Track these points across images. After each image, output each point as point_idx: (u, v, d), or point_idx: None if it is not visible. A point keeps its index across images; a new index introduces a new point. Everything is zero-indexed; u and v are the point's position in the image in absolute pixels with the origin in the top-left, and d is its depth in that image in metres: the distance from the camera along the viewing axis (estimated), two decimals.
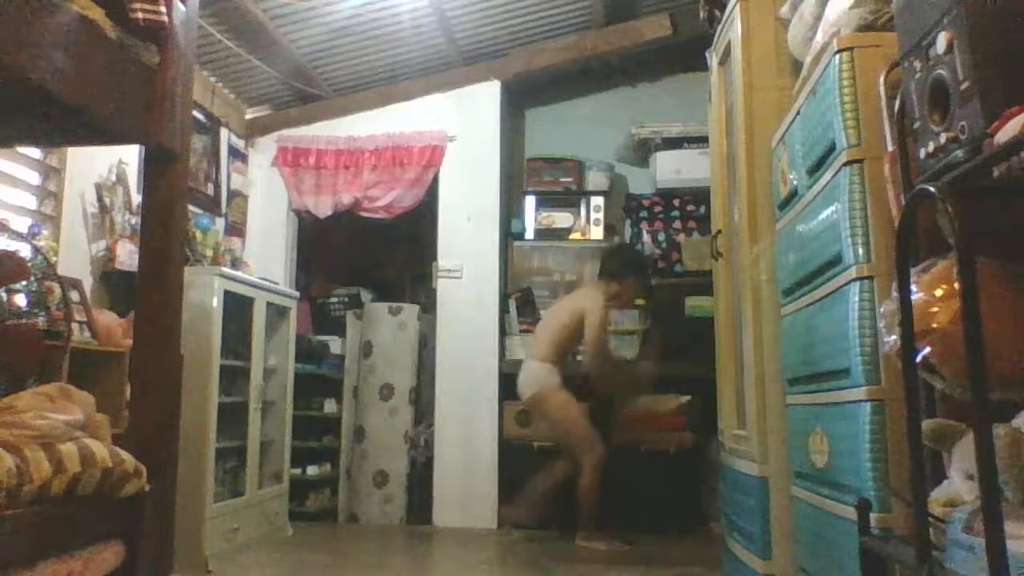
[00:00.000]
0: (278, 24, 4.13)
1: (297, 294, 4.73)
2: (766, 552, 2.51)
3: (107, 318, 3.21)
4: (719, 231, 3.18)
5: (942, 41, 1.34)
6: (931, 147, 1.41)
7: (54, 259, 3.03)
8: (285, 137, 5.04)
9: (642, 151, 5.12)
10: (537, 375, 4.10)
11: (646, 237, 4.89)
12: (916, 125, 1.50)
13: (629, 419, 4.42)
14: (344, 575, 3.50)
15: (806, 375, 2.23)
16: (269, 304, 4.20)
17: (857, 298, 1.86)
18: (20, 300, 2.53)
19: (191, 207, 4.08)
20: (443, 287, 4.83)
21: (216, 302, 3.62)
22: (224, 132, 4.73)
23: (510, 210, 5.13)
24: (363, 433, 4.82)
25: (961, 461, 1.43)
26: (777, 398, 2.51)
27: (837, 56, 1.96)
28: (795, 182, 2.32)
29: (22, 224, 3.10)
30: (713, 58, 3.28)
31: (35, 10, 1.44)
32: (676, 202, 4.93)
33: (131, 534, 1.73)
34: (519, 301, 4.86)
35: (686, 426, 4.36)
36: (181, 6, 1.94)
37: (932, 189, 1.25)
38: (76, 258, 3.42)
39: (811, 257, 2.16)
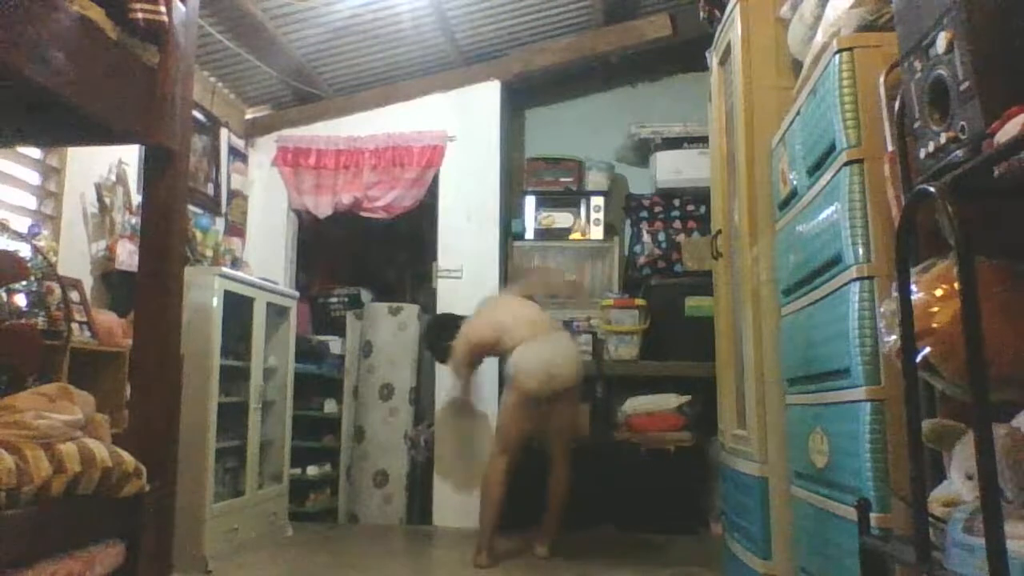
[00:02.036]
0: (278, 24, 4.13)
1: (297, 294, 4.73)
2: (766, 552, 2.51)
3: (107, 318, 3.21)
4: (719, 231, 3.18)
5: (942, 41, 1.34)
6: (931, 147, 1.41)
7: (54, 259, 3.03)
8: (285, 137, 5.04)
9: (642, 151, 5.12)
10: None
11: (646, 237, 4.89)
12: (916, 125, 1.50)
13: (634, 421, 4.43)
14: (344, 575, 3.50)
15: (806, 375, 2.23)
16: (269, 304, 4.20)
17: (857, 298, 1.86)
18: (20, 300, 2.54)
19: (191, 207, 4.07)
20: (443, 287, 4.83)
21: (216, 302, 3.62)
22: (224, 132, 4.73)
23: (510, 210, 5.12)
24: (363, 433, 4.82)
25: (961, 461, 1.43)
26: (777, 398, 2.51)
27: (837, 56, 1.96)
28: (795, 182, 2.32)
29: (22, 224, 3.10)
30: (713, 58, 3.28)
31: (35, 10, 1.44)
32: (676, 202, 4.92)
33: (131, 534, 1.73)
34: None
35: (686, 426, 4.36)
36: (181, 6, 1.94)
37: (932, 189, 1.25)
38: (76, 258, 3.42)
39: (811, 257, 2.16)
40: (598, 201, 4.98)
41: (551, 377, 3.61)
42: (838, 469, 1.96)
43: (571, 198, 5.02)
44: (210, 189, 4.57)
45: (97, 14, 1.62)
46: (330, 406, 5.00)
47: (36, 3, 1.44)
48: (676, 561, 3.67)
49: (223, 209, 4.72)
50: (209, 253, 4.13)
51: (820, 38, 2.19)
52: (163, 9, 1.77)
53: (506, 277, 4.96)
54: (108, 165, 3.63)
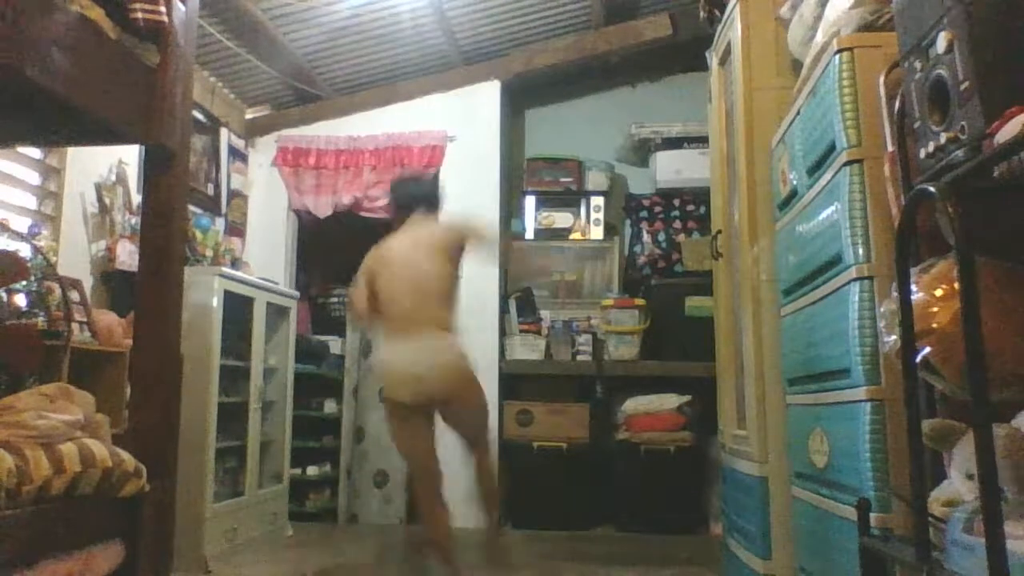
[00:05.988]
0: (278, 24, 4.13)
1: (297, 294, 4.73)
2: (766, 552, 2.51)
3: (107, 318, 3.21)
4: (719, 231, 3.18)
5: (942, 41, 1.34)
6: (931, 147, 1.41)
7: (54, 259, 3.03)
8: (285, 137, 5.04)
9: (642, 151, 5.12)
10: (457, 349, 2.89)
11: (646, 237, 4.89)
12: (916, 125, 1.50)
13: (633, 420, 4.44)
14: (344, 575, 3.50)
15: (806, 375, 2.23)
16: (269, 304, 4.20)
17: (857, 298, 1.86)
18: (20, 300, 2.53)
19: (191, 207, 4.07)
20: None
21: (216, 302, 3.62)
22: (224, 132, 4.73)
23: (510, 210, 5.13)
24: (363, 433, 4.82)
25: (961, 461, 1.43)
26: (777, 398, 2.51)
27: (837, 56, 1.96)
28: (795, 182, 2.32)
29: (22, 224, 3.10)
30: (713, 58, 3.28)
31: (35, 10, 1.44)
32: (676, 202, 4.93)
33: (131, 534, 1.73)
34: (519, 301, 4.86)
35: (686, 426, 4.36)
36: (181, 6, 1.94)
37: (932, 189, 1.25)
38: (76, 258, 3.42)
39: (811, 257, 2.16)
40: (598, 201, 4.98)
41: (419, 383, 2.81)
42: (838, 469, 1.96)
43: (571, 198, 5.02)
44: (210, 189, 4.57)
45: (97, 14, 1.62)
46: (330, 406, 4.99)
47: (36, 3, 1.44)
48: (676, 561, 3.67)
49: (223, 209, 4.72)
50: (209, 253, 4.13)
51: (820, 38, 2.19)
52: (163, 9, 1.77)
53: (506, 277, 4.97)
54: (108, 165, 3.63)
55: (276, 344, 4.41)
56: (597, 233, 4.96)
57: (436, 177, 3.51)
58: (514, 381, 4.76)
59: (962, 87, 1.30)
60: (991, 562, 1.08)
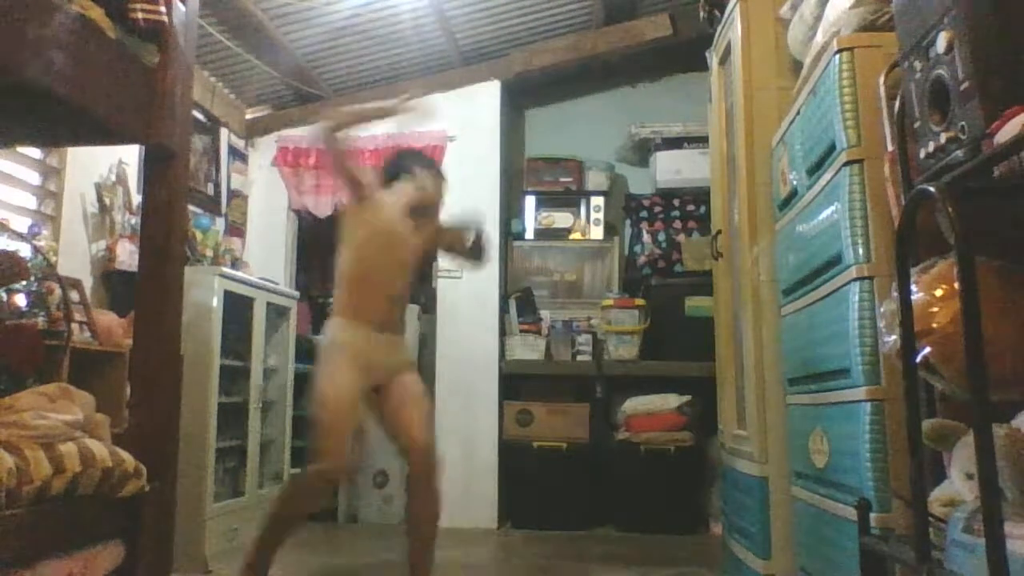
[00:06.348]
0: (278, 24, 4.13)
1: (297, 294, 4.73)
2: (766, 552, 2.51)
3: (107, 318, 3.21)
4: (719, 231, 3.18)
5: (942, 41, 1.34)
6: (931, 147, 1.41)
7: (54, 259, 3.03)
8: (285, 137, 5.03)
9: (642, 151, 5.12)
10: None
11: (646, 237, 4.89)
12: (916, 125, 1.50)
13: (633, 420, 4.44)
14: (344, 575, 3.50)
15: (806, 375, 2.23)
16: (269, 304, 4.20)
17: (857, 298, 1.86)
18: (20, 300, 2.53)
19: (191, 207, 4.07)
20: (443, 287, 4.83)
21: (216, 302, 3.62)
22: (224, 132, 4.73)
23: (510, 210, 5.12)
24: (363, 433, 4.81)
25: (961, 461, 1.43)
26: (777, 398, 2.51)
27: (837, 56, 1.96)
28: (795, 182, 2.32)
29: (22, 224, 3.10)
30: (713, 58, 3.28)
31: (35, 10, 1.44)
32: (676, 202, 4.92)
33: (131, 534, 1.73)
34: (519, 301, 4.86)
35: (686, 426, 4.36)
36: (181, 6, 1.94)
37: (932, 189, 1.25)
38: (76, 258, 3.42)
39: (811, 257, 2.16)
40: (598, 201, 4.98)
41: None
42: (838, 469, 1.96)
43: (571, 198, 5.02)
44: (210, 189, 4.57)
45: (97, 14, 1.62)
46: None
47: (36, 3, 1.44)
48: (676, 561, 3.67)
49: (223, 209, 4.72)
50: (209, 253, 4.13)
51: (820, 38, 2.19)
52: (163, 9, 1.77)
53: (506, 277, 4.96)
54: (108, 165, 3.63)
55: (276, 344, 4.41)
56: (597, 233, 4.96)
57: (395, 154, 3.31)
58: (514, 381, 4.76)
59: (962, 87, 1.30)
60: (991, 562, 1.08)
